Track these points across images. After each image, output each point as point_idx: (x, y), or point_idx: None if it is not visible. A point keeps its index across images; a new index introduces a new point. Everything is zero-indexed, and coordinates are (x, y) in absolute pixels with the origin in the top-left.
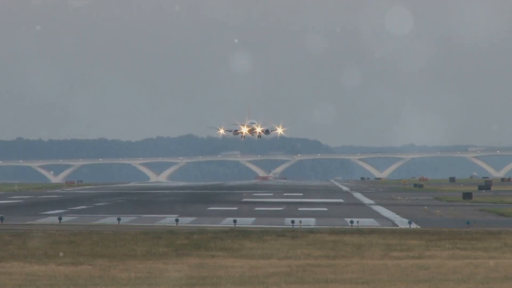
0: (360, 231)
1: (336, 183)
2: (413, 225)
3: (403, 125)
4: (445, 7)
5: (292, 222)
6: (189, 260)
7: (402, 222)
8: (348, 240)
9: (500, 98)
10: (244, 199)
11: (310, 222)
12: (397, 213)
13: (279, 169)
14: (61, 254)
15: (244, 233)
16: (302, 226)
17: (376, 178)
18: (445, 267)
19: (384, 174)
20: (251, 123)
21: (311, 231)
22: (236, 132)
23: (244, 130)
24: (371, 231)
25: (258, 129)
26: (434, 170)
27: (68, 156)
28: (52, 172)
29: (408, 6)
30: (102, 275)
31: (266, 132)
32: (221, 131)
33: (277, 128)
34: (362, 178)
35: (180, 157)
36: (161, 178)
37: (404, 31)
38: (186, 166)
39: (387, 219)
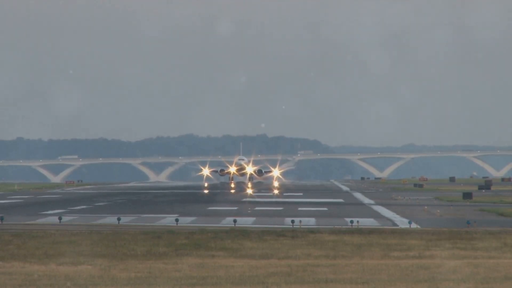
0: (360, 231)
1: (336, 183)
2: (413, 225)
3: (403, 125)
4: (446, 7)
5: (292, 222)
6: (189, 260)
7: (402, 222)
8: (348, 240)
9: (500, 98)
10: (244, 199)
11: (310, 222)
12: (397, 213)
13: None
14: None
15: (244, 233)
16: (302, 226)
17: (376, 178)
18: (445, 267)
19: (384, 174)
20: (240, 160)
21: (311, 231)
22: (222, 172)
23: (232, 170)
24: (371, 231)
25: (249, 169)
26: (434, 170)
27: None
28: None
29: (407, 4)
30: (102, 275)
31: (259, 173)
32: (205, 171)
33: (272, 169)
34: (362, 178)
35: (180, 157)
36: (161, 178)
37: (403, 31)
38: (186, 166)
39: (387, 219)
